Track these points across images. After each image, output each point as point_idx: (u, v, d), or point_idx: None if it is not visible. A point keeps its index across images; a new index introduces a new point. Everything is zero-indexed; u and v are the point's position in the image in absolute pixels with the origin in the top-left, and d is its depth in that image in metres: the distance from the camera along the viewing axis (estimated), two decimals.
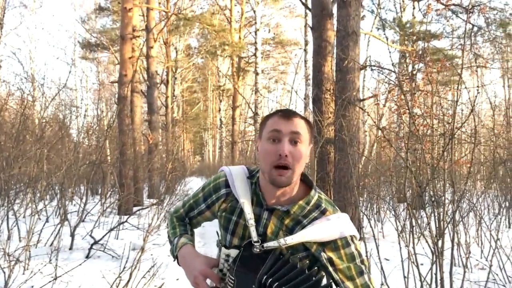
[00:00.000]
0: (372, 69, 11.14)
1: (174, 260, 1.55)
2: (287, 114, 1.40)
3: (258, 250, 1.34)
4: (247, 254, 1.33)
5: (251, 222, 1.39)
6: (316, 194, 1.45)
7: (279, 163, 1.34)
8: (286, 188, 1.40)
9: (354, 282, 1.34)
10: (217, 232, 1.57)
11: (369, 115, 5.59)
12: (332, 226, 1.38)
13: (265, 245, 1.36)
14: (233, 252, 1.36)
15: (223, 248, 1.38)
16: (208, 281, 1.39)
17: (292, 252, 1.36)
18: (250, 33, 22.39)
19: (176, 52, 24.98)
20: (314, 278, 1.21)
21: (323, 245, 1.37)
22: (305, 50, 18.27)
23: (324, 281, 1.26)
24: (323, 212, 1.41)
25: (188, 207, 1.63)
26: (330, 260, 1.36)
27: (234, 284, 1.30)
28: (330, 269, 1.35)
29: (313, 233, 1.35)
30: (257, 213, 1.42)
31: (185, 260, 1.46)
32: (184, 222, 1.66)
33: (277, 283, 1.20)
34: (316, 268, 1.29)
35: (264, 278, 1.22)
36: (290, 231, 1.39)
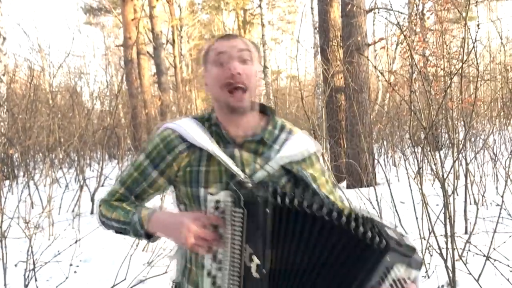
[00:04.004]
0: (378, 12, 10.84)
1: (143, 238, 1.27)
2: (228, 35, 1.33)
3: (251, 185, 1.19)
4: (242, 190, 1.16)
5: (230, 163, 1.25)
6: (277, 118, 1.38)
7: (232, 82, 1.24)
8: (249, 115, 1.31)
9: (333, 195, 1.34)
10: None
11: (369, 60, 5.48)
12: (301, 142, 1.34)
13: (255, 178, 1.25)
14: (223, 195, 1.13)
15: (208, 196, 1.15)
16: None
17: (276, 180, 1.27)
18: None
19: (180, 9, 24.54)
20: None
21: (299, 163, 1.31)
22: None
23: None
24: (290, 133, 1.35)
25: (131, 182, 1.34)
26: (313, 177, 1.31)
27: (244, 215, 1.11)
28: (314, 186, 1.28)
29: (289, 152, 1.29)
30: (229, 154, 1.27)
31: (164, 223, 1.22)
32: (131, 201, 1.35)
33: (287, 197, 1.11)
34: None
35: (274, 196, 1.11)
36: (266, 159, 1.29)
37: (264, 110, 1.38)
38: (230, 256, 1.14)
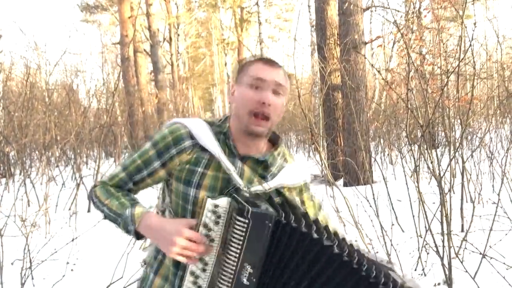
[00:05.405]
0: (375, 10, 10.85)
1: (131, 235, 1.27)
2: (271, 62, 1.35)
3: (247, 195, 1.25)
4: (241, 199, 1.21)
5: (232, 169, 1.29)
6: (282, 146, 1.46)
7: (261, 111, 1.29)
8: (261, 142, 1.37)
9: (320, 214, 1.49)
10: (158, 197, 1.43)
11: (366, 58, 5.49)
12: (297, 171, 1.43)
13: (252, 189, 1.28)
14: (223, 201, 1.16)
15: (208, 200, 1.17)
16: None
17: (270, 197, 1.30)
18: None
19: (177, 7, 24.47)
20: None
21: (290, 190, 1.40)
22: None
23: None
24: (286, 161, 1.43)
25: (134, 168, 1.35)
26: (301, 201, 1.45)
27: (248, 226, 1.14)
28: (302, 208, 1.35)
29: (287, 177, 1.37)
30: (231, 163, 1.31)
31: (153, 229, 1.22)
32: (125, 190, 1.37)
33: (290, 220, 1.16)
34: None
35: (279, 217, 1.16)
36: (263, 178, 1.35)
37: (274, 138, 1.45)
38: (218, 260, 1.18)
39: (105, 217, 1.33)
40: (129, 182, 1.36)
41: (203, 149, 1.31)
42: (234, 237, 1.15)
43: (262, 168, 1.35)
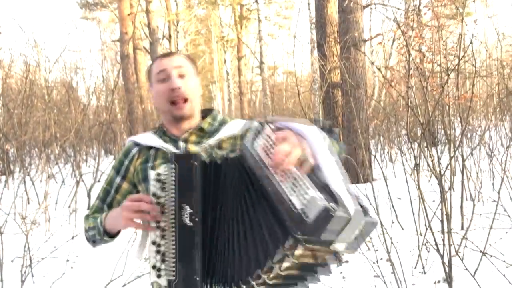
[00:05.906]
0: (375, 8, 10.84)
1: (105, 237, 1.42)
2: (167, 53, 1.49)
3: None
4: None
5: (170, 147, 1.41)
6: (220, 114, 1.54)
7: (175, 97, 1.40)
8: (190, 121, 1.47)
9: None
10: None
11: (366, 55, 5.49)
12: (240, 121, 1.50)
13: (191, 151, 1.41)
14: (163, 168, 1.23)
15: (150, 171, 1.25)
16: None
17: (211, 151, 1.38)
18: None
19: (177, 4, 24.41)
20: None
21: (242, 138, 1.42)
22: None
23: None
24: (226, 122, 1.51)
25: (103, 193, 1.53)
26: None
27: (176, 168, 1.21)
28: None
29: (227, 130, 1.45)
30: (173, 146, 1.43)
31: (112, 217, 1.38)
32: (104, 211, 1.52)
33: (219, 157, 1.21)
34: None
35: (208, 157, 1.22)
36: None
37: (207, 112, 1.54)
38: (170, 220, 1.20)
39: (93, 241, 1.48)
40: (103, 206, 1.53)
41: (149, 149, 1.46)
42: (171, 184, 1.21)
43: (205, 137, 1.45)
